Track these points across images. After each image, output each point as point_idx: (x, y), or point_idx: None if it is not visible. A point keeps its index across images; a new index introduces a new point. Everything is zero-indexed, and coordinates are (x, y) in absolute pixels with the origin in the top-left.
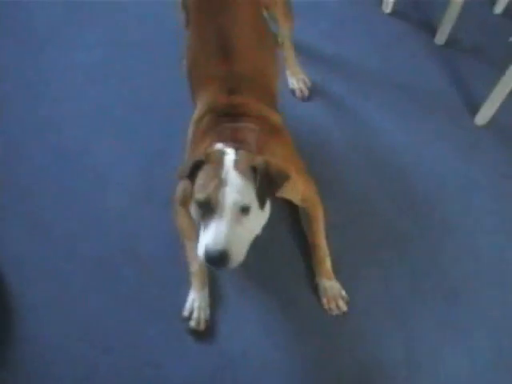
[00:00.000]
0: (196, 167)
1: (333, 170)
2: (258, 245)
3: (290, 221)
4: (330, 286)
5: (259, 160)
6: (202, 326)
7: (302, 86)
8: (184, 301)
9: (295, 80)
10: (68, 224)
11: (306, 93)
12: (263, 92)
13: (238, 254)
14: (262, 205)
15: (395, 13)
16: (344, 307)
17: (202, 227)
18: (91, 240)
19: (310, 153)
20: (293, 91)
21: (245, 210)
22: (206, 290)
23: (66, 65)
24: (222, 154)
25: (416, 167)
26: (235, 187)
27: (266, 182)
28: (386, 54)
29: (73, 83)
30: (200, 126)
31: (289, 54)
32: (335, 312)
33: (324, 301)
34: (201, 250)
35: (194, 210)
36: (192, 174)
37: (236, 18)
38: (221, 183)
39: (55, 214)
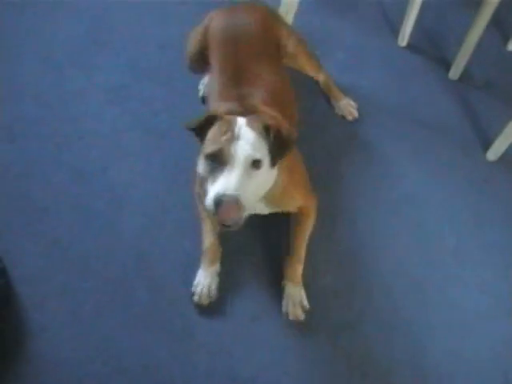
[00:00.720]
0: (207, 122)
1: (340, 198)
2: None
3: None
4: (295, 291)
5: (271, 120)
6: (205, 302)
7: (349, 108)
8: (198, 325)
9: (341, 105)
10: (84, 244)
11: (356, 114)
12: (278, 109)
13: (246, 206)
14: (274, 162)
15: (410, 46)
16: (301, 316)
17: (210, 181)
18: (106, 260)
19: (317, 178)
20: (342, 116)
21: (256, 164)
22: (215, 268)
23: (85, 86)
24: (234, 116)
25: (427, 199)
26: (248, 141)
27: (278, 142)
28: (400, 86)
29: (92, 104)
30: None
31: (327, 83)
32: (291, 317)
33: (283, 303)
34: (210, 199)
35: (201, 165)
36: (201, 131)
37: (249, 51)
38: (234, 137)
39: (71, 233)
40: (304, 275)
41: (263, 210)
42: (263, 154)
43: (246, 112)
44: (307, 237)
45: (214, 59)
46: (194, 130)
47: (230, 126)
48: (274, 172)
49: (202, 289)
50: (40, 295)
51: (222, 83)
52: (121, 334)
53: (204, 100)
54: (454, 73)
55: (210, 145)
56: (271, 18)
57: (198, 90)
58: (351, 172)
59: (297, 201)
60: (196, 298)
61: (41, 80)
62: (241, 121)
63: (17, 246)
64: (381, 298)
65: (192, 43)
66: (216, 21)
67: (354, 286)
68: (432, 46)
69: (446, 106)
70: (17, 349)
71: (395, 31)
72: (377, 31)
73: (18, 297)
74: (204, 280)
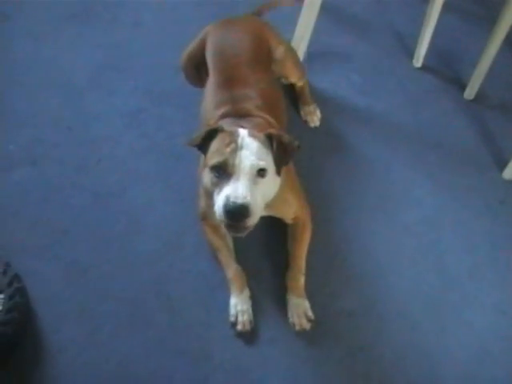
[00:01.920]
0: (209, 136)
1: (355, 222)
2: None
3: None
4: (298, 303)
5: (272, 130)
6: (248, 327)
7: (313, 116)
8: (215, 346)
9: (307, 110)
10: (102, 266)
11: (318, 122)
12: (270, 113)
13: (256, 212)
14: (278, 170)
15: (425, 67)
16: (306, 326)
17: (215, 192)
18: (124, 282)
19: (333, 201)
20: (305, 121)
21: (261, 173)
22: (246, 293)
23: (104, 110)
24: (235, 128)
25: (443, 220)
26: (252, 150)
27: (280, 149)
28: (415, 107)
29: (110, 127)
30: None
31: (303, 88)
32: (297, 328)
33: (289, 314)
34: (219, 206)
35: (206, 177)
36: (203, 145)
37: (242, 59)
38: (237, 147)
39: (90, 255)
40: (321, 295)
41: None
42: (268, 162)
43: (240, 115)
44: (306, 248)
45: (210, 69)
46: (196, 145)
47: (233, 137)
48: (279, 180)
49: (242, 316)
50: (58, 316)
51: (217, 88)
52: (138, 356)
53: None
54: (469, 93)
55: (214, 157)
56: (263, 27)
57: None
58: (365, 194)
59: (293, 206)
60: (239, 327)
61: (61, 105)
62: (243, 132)
63: (36, 268)
64: (397, 320)
65: (188, 56)
66: (212, 34)
67: (370, 307)
68: (447, 67)
69: (462, 126)
70: (34, 369)
71: (410, 52)
72: (391, 53)
73: (36, 317)
74: (241, 307)
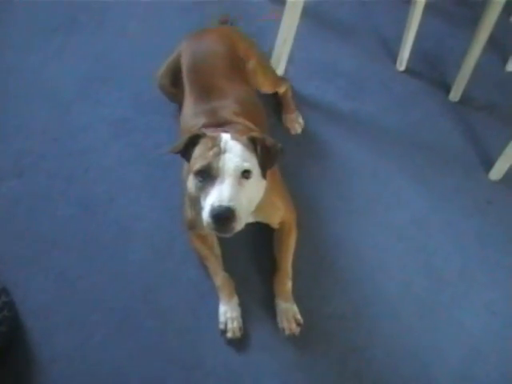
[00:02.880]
0: (191, 143)
1: (343, 225)
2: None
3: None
4: (286, 307)
5: (254, 133)
6: (238, 334)
7: (294, 124)
8: (206, 353)
9: (288, 118)
10: (91, 276)
11: (299, 130)
12: (248, 118)
13: (242, 215)
14: (264, 173)
15: (409, 70)
16: (296, 330)
17: (202, 198)
18: (114, 292)
19: (320, 205)
20: (287, 128)
21: (246, 175)
22: (235, 300)
23: (90, 120)
24: (217, 133)
25: (431, 222)
26: (235, 153)
27: (264, 152)
28: (401, 110)
29: (97, 138)
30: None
31: (286, 95)
32: (287, 332)
33: (278, 320)
34: (206, 213)
35: (191, 183)
36: (186, 152)
37: (217, 70)
38: (220, 151)
39: (78, 266)
40: (311, 300)
41: (248, 218)
42: (252, 164)
43: (219, 124)
44: (292, 252)
45: (186, 83)
46: (179, 152)
47: (216, 142)
48: (264, 183)
49: (232, 323)
50: (48, 328)
51: (194, 101)
52: (129, 365)
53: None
54: (454, 95)
55: (197, 162)
56: (234, 38)
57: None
58: (353, 198)
59: (279, 210)
60: (229, 334)
61: (47, 115)
62: (225, 136)
63: (25, 279)
64: (388, 322)
65: (165, 72)
66: (186, 48)
67: (361, 310)
68: (431, 69)
69: (447, 128)
70: (26, 382)
71: (393, 56)
72: (375, 57)
73: (26, 330)
74: (231, 314)
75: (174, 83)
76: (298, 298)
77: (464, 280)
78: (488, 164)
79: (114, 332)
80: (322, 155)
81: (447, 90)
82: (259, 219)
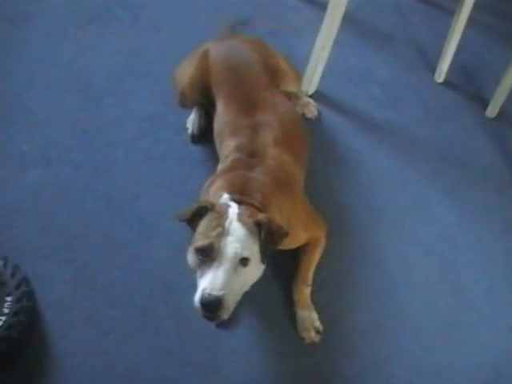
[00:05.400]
0: (198, 214)
1: (370, 237)
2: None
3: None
4: (304, 316)
5: (262, 216)
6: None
7: (310, 107)
8: (223, 359)
9: (301, 103)
10: (112, 272)
11: (316, 112)
12: (287, 141)
13: (231, 304)
14: (264, 259)
15: (447, 82)
16: (315, 338)
17: (198, 274)
18: (133, 289)
19: (347, 216)
20: (303, 114)
21: (244, 262)
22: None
23: (120, 114)
24: (226, 206)
25: (460, 239)
26: (238, 238)
27: (268, 237)
28: (435, 123)
29: (126, 132)
30: (223, 165)
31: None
32: (307, 341)
33: (298, 328)
34: (197, 296)
35: (190, 256)
36: (192, 220)
37: (256, 85)
38: (224, 232)
39: (100, 260)
40: (334, 310)
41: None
42: (252, 251)
43: (254, 151)
44: (315, 262)
45: (220, 91)
46: (185, 221)
47: (221, 220)
48: (263, 267)
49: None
50: (66, 321)
51: (233, 115)
52: (144, 364)
53: (193, 138)
54: (491, 111)
55: (200, 239)
56: (264, 45)
57: (186, 129)
58: (382, 209)
59: (302, 239)
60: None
61: (77, 107)
62: (232, 214)
63: (45, 271)
64: (410, 338)
65: (187, 78)
66: (215, 53)
67: (384, 324)
68: (469, 83)
69: (481, 144)
70: (40, 374)
71: (432, 67)
72: (413, 67)
73: (43, 322)
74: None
75: (201, 92)
76: (320, 307)
77: (490, 300)
78: None
79: (132, 330)
80: (352, 164)
81: (484, 105)
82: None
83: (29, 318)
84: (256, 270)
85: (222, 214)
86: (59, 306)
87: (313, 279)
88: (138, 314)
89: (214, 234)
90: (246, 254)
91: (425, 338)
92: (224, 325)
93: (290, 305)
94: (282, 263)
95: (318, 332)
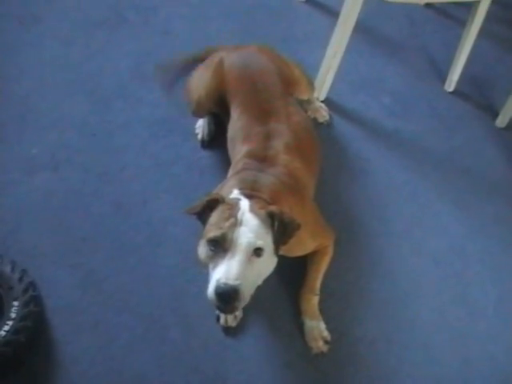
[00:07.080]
0: (209, 207)
1: (379, 248)
2: None
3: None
4: (312, 325)
5: (274, 207)
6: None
7: (321, 111)
8: (230, 368)
9: (312, 107)
10: (119, 277)
11: (327, 116)
12: (299, 149)
13: (246, 295)
14: (277, 250)
15: (457, 92)
16: (324, 348)
17: (210, 267)
18: (141, 295)
19: (355, 224)
20: (315, 118)
21: (257, 252)
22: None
23: (130, 118)
24: (237, 199)
25: (469, 250)
26: (251, 228)
27: (281, 229)
28: (445, 133)
29: (136, 136)
30: (234, 170)
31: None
32: (315, 351)
33: (306, 338)
34: (211, 287)
35: (202, 249)
36: (203, 214)
37: (271, 93)
38: (237, 222)
39: (108, 266)
40: (342, 320)
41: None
42: (266, 241)
43: (265, 156)
44: (323, 271)
45: (236, 99)
46: (195, 214)
47: (233, 211)
48: (276, 259)
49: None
50: (73, 327)
51: (247, 121)
52: (152, 371)
53: (203, 143)
54: (502, 121)
55: (212, 230)
56: (277, 54)
57: (195, 134)
58: (391, 219)
59: (309, 247)
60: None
61: (87, 111)
62: (244, 206)
63: (52, 275)
64: (419, 350)
65: (202, 87)
66: (230, 61)
67: (392, 335)
68: (479, 93)
69: (492, 154)
70: (46, 379)
71: (442, 76)
72: (422, 76)
73: (50, 327)
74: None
75: (218, 101)
76: (328, 317)
77: (499, 313)
78: None
79: (139, 336)
80: (362, 172)
81: (494, 115)
82: (287, 254)
83: (36, 323)
84: (270, 262)
85: (234, 206)
86: (66, 311)
87: (321, 289)
88: (146, 320)
89: (226, 224)
90: (259, 243)
91: (433, 349)
92: (232, 333)
93: (297, 314)
94: (289, 272)
95: (326, 342)
